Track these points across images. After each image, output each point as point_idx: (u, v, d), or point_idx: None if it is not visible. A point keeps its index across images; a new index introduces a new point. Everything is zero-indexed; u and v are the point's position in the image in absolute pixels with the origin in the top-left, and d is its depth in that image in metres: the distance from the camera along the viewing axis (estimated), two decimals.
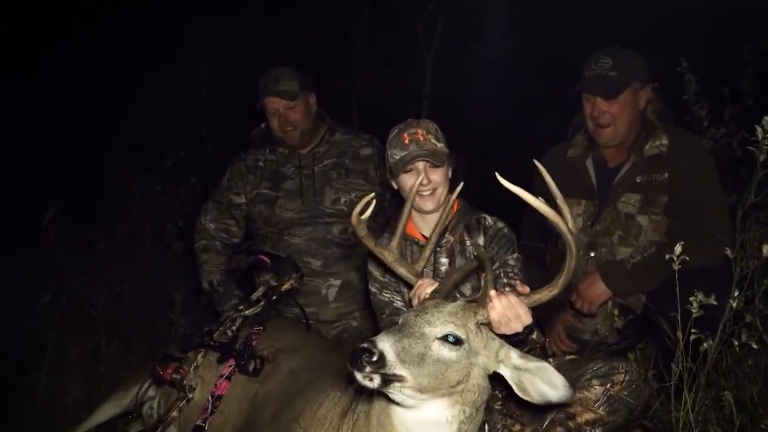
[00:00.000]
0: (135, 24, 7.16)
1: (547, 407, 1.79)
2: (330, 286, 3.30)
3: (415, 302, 1.95)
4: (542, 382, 1.66)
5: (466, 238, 2.40)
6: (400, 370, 1.53)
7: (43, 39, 6.77)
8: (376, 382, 1.52)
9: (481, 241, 2.38)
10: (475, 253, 2.38)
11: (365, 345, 1.53)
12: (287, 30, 8.22)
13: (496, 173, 1.71)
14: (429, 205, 2.35)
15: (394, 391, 1.57)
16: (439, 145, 2.34)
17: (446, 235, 2.40)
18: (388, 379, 1.52)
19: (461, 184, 2.23)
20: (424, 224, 2.45)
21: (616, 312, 2.76)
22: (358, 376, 1.52)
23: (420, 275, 2.04)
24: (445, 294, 1.86)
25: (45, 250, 4.29)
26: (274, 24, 8.16)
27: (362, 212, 2.03)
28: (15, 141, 6.12)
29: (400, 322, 1.70)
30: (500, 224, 2.41)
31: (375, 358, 1.50)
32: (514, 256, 2.35)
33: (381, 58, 7.71)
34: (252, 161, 3.37)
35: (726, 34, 5.06)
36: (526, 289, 1.86)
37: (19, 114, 6.31)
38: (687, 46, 4.27)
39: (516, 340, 1.84)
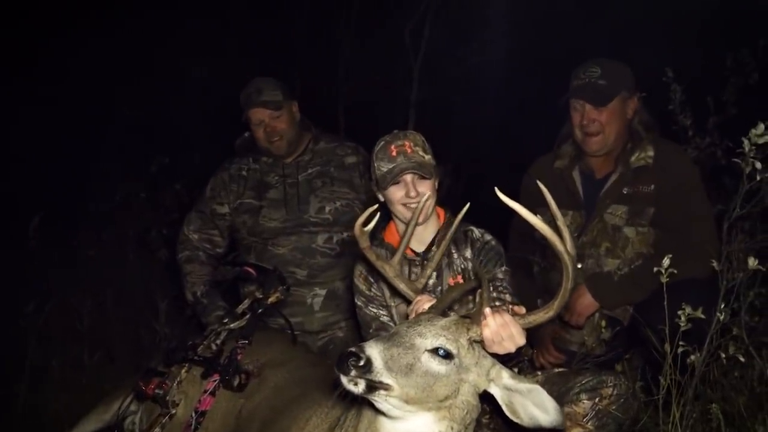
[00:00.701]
0: (120, 27, 7.10)
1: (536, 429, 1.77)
2: (315, 296, 3.26)
3: (412, 317, 1.93)
4: (533, 405, 1.65)
5: (453, 251, 2.38)
6: (386, 378, 1.51)
7: (27, 43, 6.68)
8: (360, 387, 1.50)
9: (468, 254, 2.37)
10: (462, 267, 2.37)
11: (353, 349, 1.51)
12: (274, 36, 8.19)
13: (496, 189, 1.70)
14: (420, 219, 2.33)
15: (380, 399, 1.55)
16: (427, 156, 2.33)
17: (432, 248, 2.38)
18: (373, 386, 1.51)
19: (467, 205, 2.19)
20: (413, 238, 2.41)
21: (603, 323, 2.76)
22: (344, 379, 1.50)
23: (419, 292, 2.02)
24: (442, 311, 1.84)
25: (29, 257, 4.23)
26: (261, 29, 8.12)
27: (366, 223, 2.01)
28: None
29: (391, 332, 1.68)
30: (488, 237, 2.39)
31: (362, 363, 1.49)
32: (503, 269, 2.34)
33: (368, 64, 7.69)
34: (235, 171, 3.34)
35: (710, 43, 5.11)
36: (522, 310, 1.85)
37: (2, 118, 6.22)
38: (672, 55, 4.31)
39: (506, 358, 1.83)
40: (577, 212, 2.91)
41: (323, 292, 3.26)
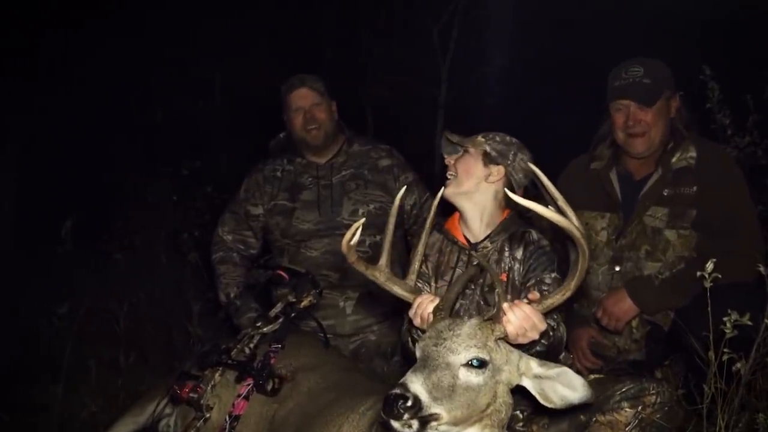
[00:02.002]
0: (152, 33, 7.19)
1: (569, 410, 1.73)
2: (347, 299, 3.25)
3: (417, 321, 1.88)
4: (562, 386, 1.62)
5: (506, 249, 2.31)
6: (435, 409, 1.48)
7: (61, 47, 6.80)
8: (414, 427, 1.47)
9: (519, 254, 2.29)
10: (509, 266, 2.28)
11: (398, 391, 1.47)
12: (302, 39, 8.23)
13: (506, 190, 1.73)
14: (450, 190, 2.29)
15: (430, 430, 1.52)
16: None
17: (485, 242, 2.32)
18: (425, 421, 1.48)
19: (513, 212, 2.15)
20: (465, 228, 2.33)
21: (634, 324, 2.70)
22: (396, 425, 1.46)
23: (414, 291, 1.96)
24: (450, 309, 1.79)
25: (61, 261, 4.30)
26: (289, 32, 8.17)
27: (351, 238, 1.97)
28: (31, 151, 6.16)
29: (418, 354, 1.65)
30: (544, 242, 2.30)
31: (410, 403, 1.45)
32: (552, 275, 2.25)
33: (396, 66, 7.69)
34: (269, 171, 3.34)
35: (748, 40, 4.98)
36: (537, 296, 1.80)
37: (34, 123, 6.35)
38: (710, 53, 4.21)
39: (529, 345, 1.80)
40: (615, 214, 2.84)
41: (355, 295, 3.24)
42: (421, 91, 7.36)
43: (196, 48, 7.33)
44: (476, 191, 2.29)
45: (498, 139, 2.34)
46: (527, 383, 1.68)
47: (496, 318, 1.70)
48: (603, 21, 6.69)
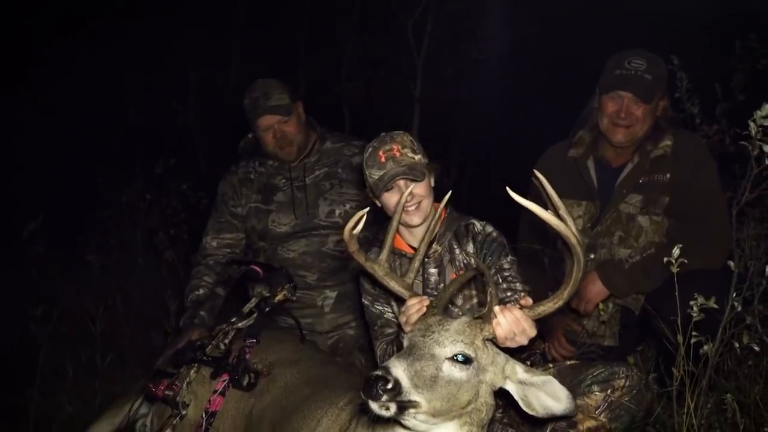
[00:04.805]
0: (124, 32, 7.10)
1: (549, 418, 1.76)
2: (326, 298, 3.23)
3: (402, 320, 1.90)
4: (546, 395, 1.64)
5: (455, 247, 2.36)
6: (414, 396, 1.50)
7: (31, 46, 6.70)
8: (392, 410, 1.48)
9: (470, 248, 2.34)
10: (465, 262, 2.34)
11: (379, 372, 1.49)
12: (277, 36, 8.18)
13: (508, 188, 1.69)
14: (416, 220, 2.30)
15: (408, 418, 1.54)
16: (417, 157, 2.27)
17: (434, 245, 2.35)
18: (403, 406, 1.49)
19: (449, 193, 2.17)
20: (411, 236, 2.40)
21: (601, 306, 2.72)
22: (374, 405, 1.48)
23: (411, 288, 1.99)
24: (443, 309, 1.82)
25: (34, 263, 4.24)
26: (264, 30, 8.12)
27: (354, 227, 1.98)
28: (2, 151, 6.05)
29: (405, 343, 1.66)
30: (489, 228, 2.36)
31: (390, 386, 1.47)
32: (508, 259, 2.32)
33: (370, 62, 7.68)
34: (243, 174, 3.29)
35: (718, 30, 5.05)
36: (529, 302, 1.83)
37: (6, 123, 6.24)
38: (679, 43, 4.26)
39: (517, 350, 1.81)
40: (591, 202, 2.87)
41: (333, 294, 3.23)
42: (397, 86, 7.36)
43: (171, 49, 7.25)
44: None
45: (416, 144, 2.33)
46: (511, 387, 1.70)
47: (486, 318, 1.72)
48: (577, 12, 6.74)
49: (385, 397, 1.46)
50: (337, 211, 3.23)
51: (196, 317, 2.92)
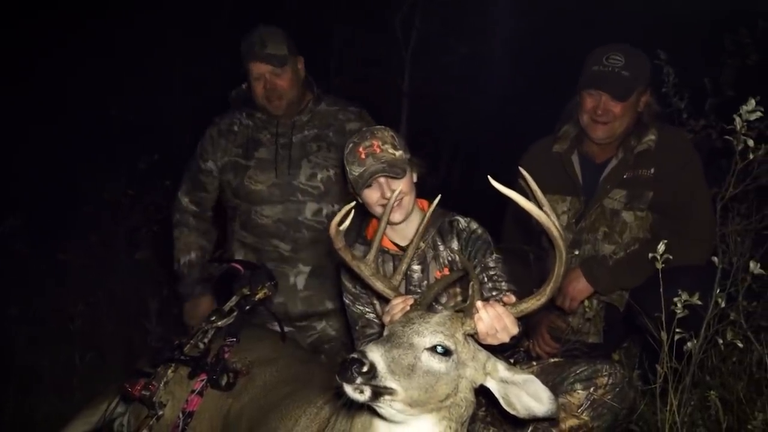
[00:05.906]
0: (107, 26, 7.01)
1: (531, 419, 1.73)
2: (299, 273, 3.14)
3: (386, 320, 1.87)
4: (528, 395, 1.61)
5: (440, 243, 2.32)
6: (390, 383, 1.46)
7: (9, 43, 6.59)
8: (366, 394, 1.44)
9: (455, 245, 2.30)
10: (449, 259, 2.31)
11: (355, 355, 1.45)
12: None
13: (489, 177, 1.65)
14: (397, 217, 2.25)
15: (384, 405, 1.49)
16: (398, 153, 2.22)
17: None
18: (378, 392, 1.45)
19: (438, 197, 2.14)
20: (393, 233, 2.35)
21: (586, 303, 2.71)
22: (348, 388, 1.43)
23: (396, 290, 1.95)
24: (427, 306, 1.79)
25: (14, 260, 4.18)
26: (251, 24, 8.05)
27: (341, 222, 1.94)
28: None
29: (385, 333, 1.63)
30: (474, 225, 2.33)
31: (365, 369, 1.42)
32: (493, 257, 2.28)
33: (359, 57, 7.62)
34: (226, 126, 3.15)
35: (707, 25, 5.04)
36: (513, 299, 1.80)
37: None
38: (666, 37, 4.24)
39: (500, 348, 1.78)
40: (576, 198, 2.86)
41: (307, 269, 3.13)
42: (385, 81, 7.33)
43: (156, 43, 7.17)
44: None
45: (397, 139, 2.28)
46: (492, 385, 1.66)
47: (467, 312, 1.69)
48: (568, 7, 6.72)
49: (359, 380, 1.42)
50: (319, 176, 3.11)
51: (197, 285, 2.91)
